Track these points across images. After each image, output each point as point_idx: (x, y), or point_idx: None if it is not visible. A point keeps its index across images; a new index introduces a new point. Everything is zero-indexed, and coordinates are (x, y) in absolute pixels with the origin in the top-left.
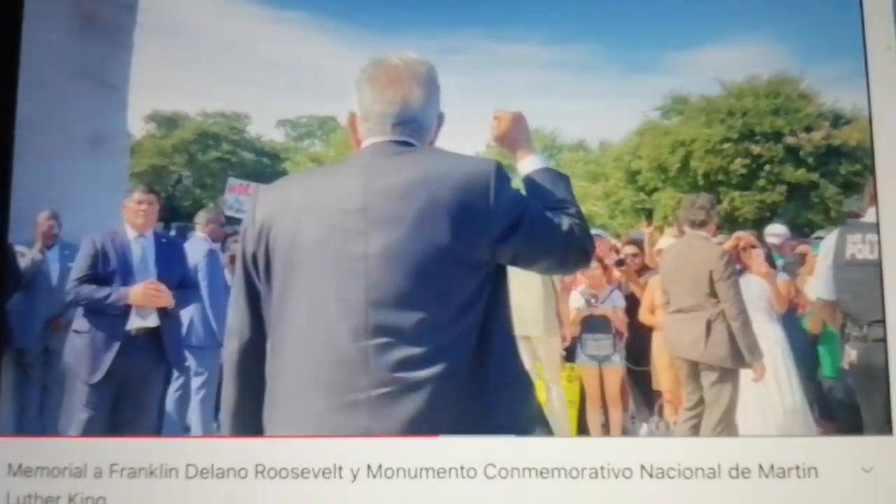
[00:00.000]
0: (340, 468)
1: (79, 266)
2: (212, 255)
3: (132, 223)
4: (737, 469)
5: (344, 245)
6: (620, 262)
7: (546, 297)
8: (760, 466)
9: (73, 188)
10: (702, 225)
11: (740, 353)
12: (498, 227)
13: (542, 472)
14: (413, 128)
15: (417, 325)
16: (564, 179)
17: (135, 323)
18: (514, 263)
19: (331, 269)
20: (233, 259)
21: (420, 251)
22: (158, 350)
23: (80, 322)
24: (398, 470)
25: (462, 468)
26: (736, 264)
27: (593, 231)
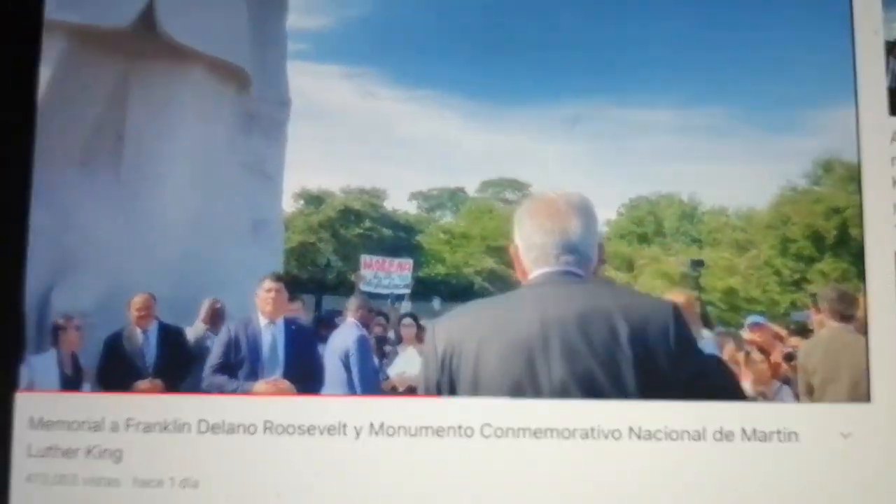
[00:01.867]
0: (344, 426)
1: (214, 354)
2: (362, 340)
3: (263, 310)
4: (721, 432)
5: (525, 373)
6: (789, 357)
7: None
8: (743, 430)
9: (235, 272)
10: (850, 319)
11: None
12: (675, 367)
13: (535, 433)
14: (575, 258)
15: None
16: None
17: None
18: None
19: (515, 396)
20: (378, 340)
21: (600, 381)
22: None
23: None
24: (399, 428)
25: (460, 427)
26: None
27: (754, 318)
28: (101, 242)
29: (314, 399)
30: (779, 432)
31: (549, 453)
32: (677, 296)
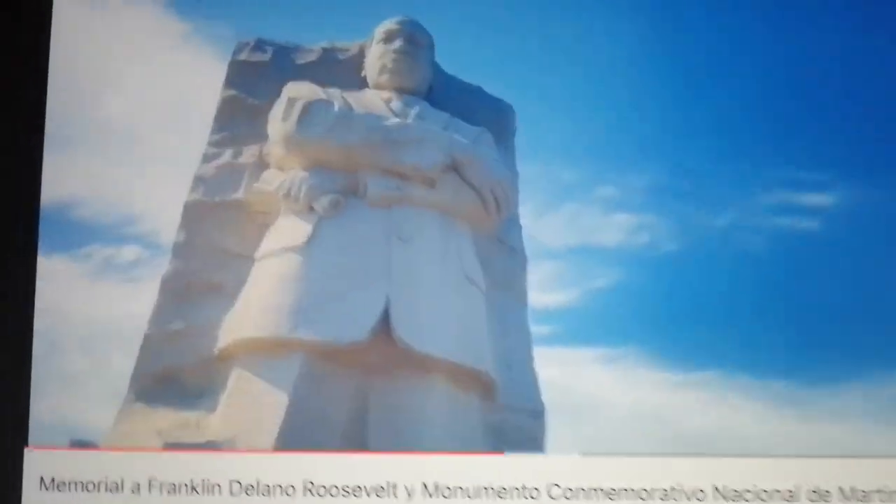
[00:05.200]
0: (395, 486)
1: None
2: None
3: None
4: (816, 491)
5: None
6: None
7: None
8: (841, 489)
9: None
10: None
11: None
12: None
13: (609, 494)
14: None
15: None
16: None
17: None
18: None
19: None
20: None
21: None
22: None
23: None
24: (456, 489)
25: (524, 487)
26: None
27: None
28: None
29: (360, 456)
30: (880, 491)
31: None
32: None
